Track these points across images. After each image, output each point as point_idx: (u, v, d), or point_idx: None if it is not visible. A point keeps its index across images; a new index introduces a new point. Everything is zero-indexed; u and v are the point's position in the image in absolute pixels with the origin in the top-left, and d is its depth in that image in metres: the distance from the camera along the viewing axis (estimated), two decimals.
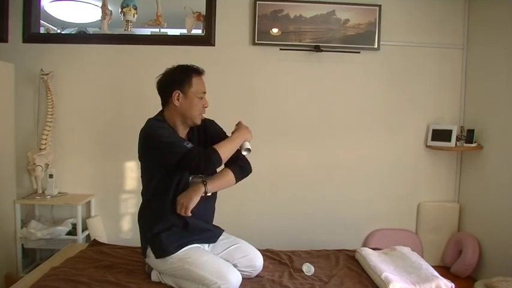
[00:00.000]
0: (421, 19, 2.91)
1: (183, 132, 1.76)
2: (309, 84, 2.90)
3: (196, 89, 1.71)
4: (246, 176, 1.81)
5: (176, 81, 1.71)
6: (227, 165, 1.77)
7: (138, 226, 1.80)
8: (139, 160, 1.75)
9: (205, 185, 1.66)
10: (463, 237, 2.78)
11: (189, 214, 1.63)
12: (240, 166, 1.77)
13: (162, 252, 1.66)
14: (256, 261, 1.82)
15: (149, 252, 1.70)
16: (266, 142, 2.86)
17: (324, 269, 1.91)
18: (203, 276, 1.59)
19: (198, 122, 1.75)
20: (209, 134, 1.83)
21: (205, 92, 1.75)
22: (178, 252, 1.67)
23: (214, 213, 1.90)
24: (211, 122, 1.88)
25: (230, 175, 1.74)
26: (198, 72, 1.74)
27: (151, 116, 1.76)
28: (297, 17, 2.81)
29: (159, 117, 1.75)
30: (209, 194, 1.69)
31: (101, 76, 2.83)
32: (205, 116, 1.82)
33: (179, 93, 1.70)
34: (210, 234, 1.82)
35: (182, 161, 1.58)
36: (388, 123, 2.95)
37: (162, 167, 1.66)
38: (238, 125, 1.83)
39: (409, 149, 2.97)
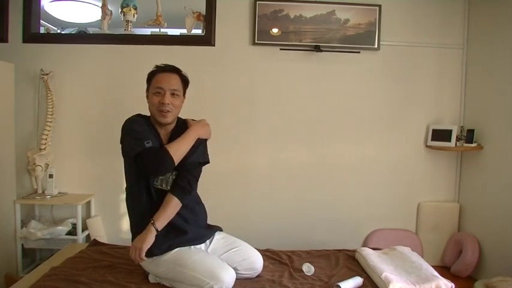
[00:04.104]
0: (421, 19, 2.91)
1: (164, 132, 1.76)
2: (309, 84, 2.89)
3: (153, 86, 1.72)
4: (189, 193, 1.71)
5: (147, 82, 1.78)
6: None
7: None
8: None
9: (153, 224, 1.60)
10: (463, 237, 2.78)
11: (144, 258, 1.60)
12: (180, 187, 1.68)
13: (149, 252, 1.63)
14: (257, 264, 1.81)
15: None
16: (266, 142, 2.88)
17: (324, 269, 1.91)
18: (195, 277, 1.57)
19: (161, 120, 1.71)
20: None
21: (162, 88, 1.69)
22: (168, 253, 1.65)
23: (206, 214, 1.89)
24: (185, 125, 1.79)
25: (174, 201, 1.65)
26: (159, 70, 1.75)
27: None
28: (297, 17, 2.81)
29: (146, 115, 1.78)
30: (159, 230, 1.61)
31: (101, 76, 2.83)
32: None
33: (147, 93, 1.77)
34: (202, 237, 1.79)
35: (136, 158, 1.59)
36: (388, 123, 2.95)
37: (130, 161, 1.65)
38: (198, 121, 1.81)
39: (409, 149, 2.96)
